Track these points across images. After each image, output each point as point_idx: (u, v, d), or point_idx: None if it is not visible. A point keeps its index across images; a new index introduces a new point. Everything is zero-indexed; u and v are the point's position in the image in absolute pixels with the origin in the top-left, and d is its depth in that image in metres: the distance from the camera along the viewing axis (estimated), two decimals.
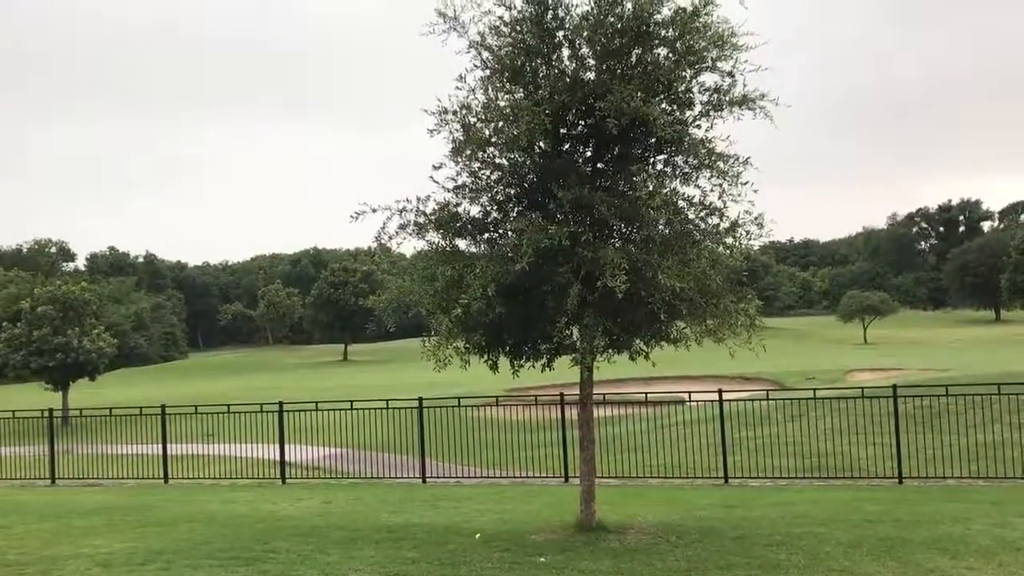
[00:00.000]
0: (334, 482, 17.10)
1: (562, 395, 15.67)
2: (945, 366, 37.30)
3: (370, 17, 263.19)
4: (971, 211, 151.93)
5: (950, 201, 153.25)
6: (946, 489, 13.06)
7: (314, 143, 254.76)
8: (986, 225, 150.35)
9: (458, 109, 8.68)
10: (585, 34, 8.35)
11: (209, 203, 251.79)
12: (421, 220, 8.77)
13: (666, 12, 8.32)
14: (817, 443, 17.23)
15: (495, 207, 8.99)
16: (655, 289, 8.12)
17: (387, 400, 17.22)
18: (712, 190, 8.55)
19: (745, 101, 8.51)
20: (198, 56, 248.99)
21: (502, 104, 8.62)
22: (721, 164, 8.40)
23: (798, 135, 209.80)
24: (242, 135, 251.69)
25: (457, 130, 8.68)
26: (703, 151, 8.46)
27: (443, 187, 8.90)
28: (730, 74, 8.48)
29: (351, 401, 17.02)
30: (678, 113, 8.55)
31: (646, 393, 18.02)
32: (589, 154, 8.83)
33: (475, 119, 8.65)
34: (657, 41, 8.39)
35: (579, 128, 8.68)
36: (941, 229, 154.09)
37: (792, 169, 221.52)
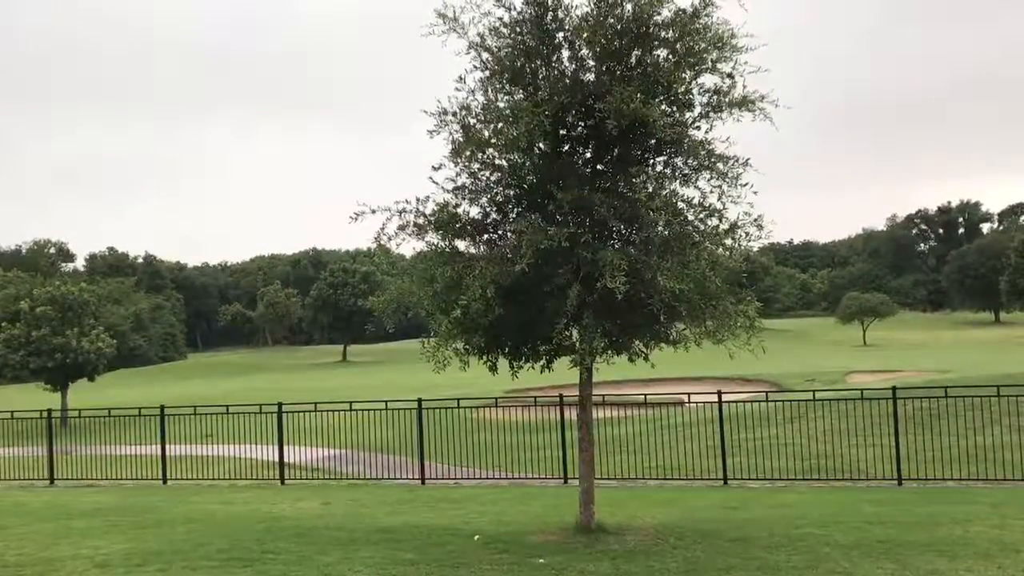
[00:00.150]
0: (333, 483, 17.09)
1: (561, 396, 15.66)
2: (945, 368, 37.31)
3: (370, 18, 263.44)
4: (970, 213, 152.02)
5: (949, 203, 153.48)
6: (945, 491, 13.06)
7: (314, 144, 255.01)
8: (985, 227, 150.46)
9: (458, 110, 8.69)
10: (585, 35, 8.34)
11: (208, 204, 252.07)
12: (420, 221, 8.76)
13: (666, 13, 8.33)
14: (816, 445, 17.23)
15: (495, 208, 8.99)
16: (654, 290, 8.11)
17: (386, 401, 17.21)
18: (712, 191, 8.56)
19: (745, 103, 8.51)
20: (198, 57, 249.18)
21: (502, 105, 8.62)
22: (721, 165, 8.41)
23: (798, 137, 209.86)
24: (242, 136, 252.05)
25: (457, 131, 8.68)
26: (703, 152, 8.46)
27: (443, 188, 8.90)
28: (730, 75, 8.47)
29: (350, 402, 17.01)
30: (678, 114, 8.54)
31: (645, 394, 18.02)
32: (589, 155, 8.82)
33: (475, 120, 8.66)
34: (657, 42, 8.39)
35: (579, 129, 8.67)
36: (940, 231, 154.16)
37: (792, 171, 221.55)
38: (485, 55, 8.68)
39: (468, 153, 8.62)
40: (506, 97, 8.68)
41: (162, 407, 18.19)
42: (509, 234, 8.71)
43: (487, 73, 8.71)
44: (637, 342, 9.09)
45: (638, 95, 7.93)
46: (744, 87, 8.48)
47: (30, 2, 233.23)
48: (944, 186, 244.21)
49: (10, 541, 10.03)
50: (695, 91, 8.61)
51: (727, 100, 8.55)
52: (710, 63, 8.40)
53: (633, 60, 8.42)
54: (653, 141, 8.53)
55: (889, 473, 14.41)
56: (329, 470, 19.35)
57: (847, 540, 8.84)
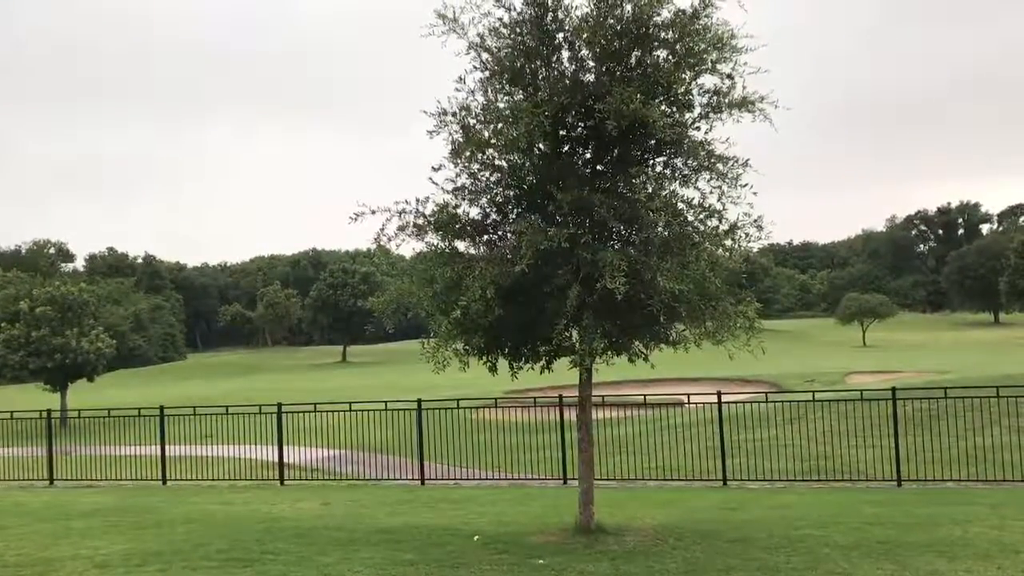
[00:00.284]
0: (333, 483, 17.09)
1: (561, 397, 15.67)
2: (944, 369, 37.31)
3: (370, 18, 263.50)
4: (970, 214, 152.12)
5: (949, 204, 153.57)
6: (945, 492, 13.06)
7: (314, 144, 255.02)
8: (985, 228, 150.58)
9: (457, 111, 8.69)
10: (585, 36, 8.34)
11: (208, 204, 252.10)
12: (420, 222, 8.76)
13: (666, 14, 8.33)
14: (816, 446, 17.23)
15: (494, 209, 8.99)
16: (654, 291, 8.11)
17: (386, 402, 17.21)
18: (711, 192, 8.56)
19: (744, 103, 8.51)
20: (198, 57, 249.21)
21: (501, 106, 8.62)
22: (720, 166, 8.41)
23: (797, 137, 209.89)
24: (242, 136, 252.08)
25: (456, 132, 8.68)
26: (703, 153, 8.46)
27: (442, 189, 8.89)
28: (729, 76, 8.47)
29: (350, 403, 17.01)
30: (678, 115, 8.54)
31: (645, 395, 18.03)
32: (588, 156, 8.82)
33: (475, 121, 8.66)
34: (657, 43, 8.39)
35: (579, 130, 8.67)
36: (940, 232, 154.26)
37: (791, 171, 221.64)
38: (485, 56, 8.68)
39: (468, 154, 8.62)
40: (506, 98, 8.68)
41: (162, 408, 18.18)
42: (509, 235, 8.71)
43: (487, 74, 8.71)
44: (637, 343, 9.09)
45: (638, 96, 7.93)
46: (744, 88, 8.49)
47: (30, 2, 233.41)
48: (944, 187, 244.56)
49: (9, 541, 10.02)
50: (695, 92, 8.61)
51: (727, 101, 8.56)
52: (710, 64, 8.40)
53: (633, 61, 8.42)
54: (653, 142, 8.53)
55: (889, 474, 14.41)
56: (329, 471, 19.35)
57: (847, 541, 8.84)
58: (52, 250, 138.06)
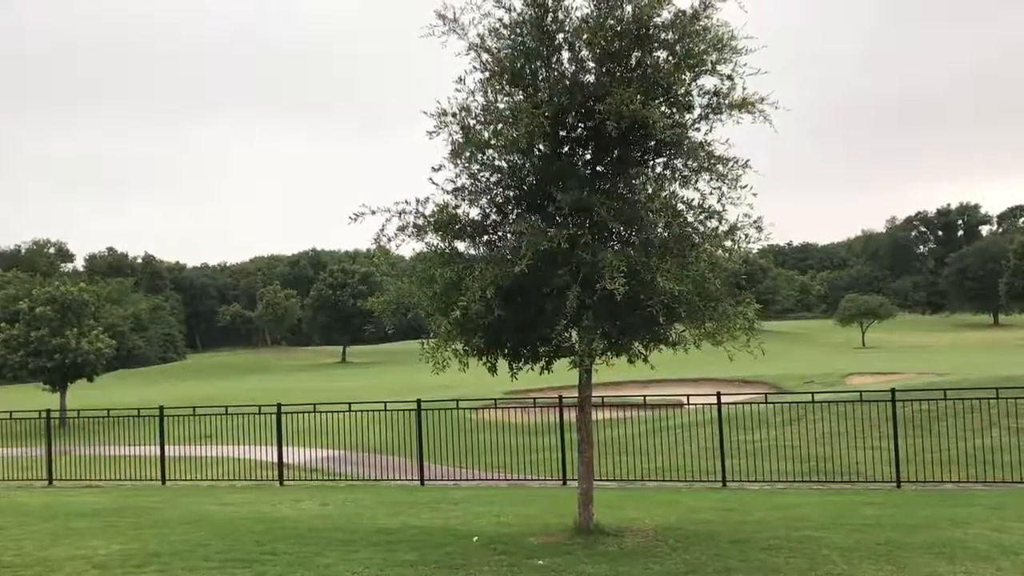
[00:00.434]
0: (332, 484, 17.09)
1: (560, 397, 15.67)
2: (943, 370, 37.31)
3: (370, 18, 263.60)
4: (969, 215, 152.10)
5: (949, 205, 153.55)
6: (944, 493, 13.06)
7: (314, 144, 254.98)
8: (984, 229, 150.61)
9: (457, 111, 8.68)
10: (585, 37, 8.34)
11: (208, 204, 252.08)
12: (420, 222, 8.76)
13: (666, 15, 8.32)
14: (815, 447, 17.23)
15: (494, 209, 8.98)
16: (654, 292, 8.11)
17: (385, 402, 17.21)
18: (711, 193, 8.55)
19: (744, 104, 8.50)
20: (198, 57, 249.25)
21: (501, 106, 8.61)
22: (720, 167, 8.40)
23: (797, 138, 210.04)
24: (241, 136, 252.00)
25: (456, 132, 8.67)
26: (702, 154, 8.45)
27: (442, 189, 8.89)
28: (729, 77, 8.47)
29: (349, 403, 17.01)
30: (677, 116, 8.54)
31: (644, 396, 18.02)
32: (588, 157, 8.82)
33: (474, 121, 8.65)
34: (657, 44, 8.38)
35: (578, 131, 8.67)
36: (940, 233, 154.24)
37: (791, 172, 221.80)
38: (485, 56, 8.67)
39: (468, 154, 8.62)
40: (506, 98, 8.67)
41: (161, 408, 18.18)
42: (509, 235, 8.72)
43: (487, 74, 8.70)
44: (636, 343, 9.09)
45: (638, 97, 7.93)
46: (744, 89, 8.48)
47: (30, 2, 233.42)
48: (943, 188, 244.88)
49: (8, 541, 10.02)
50: (695, 93, 8.60)
51: (727, 102, 8.55)
52: (710, 65, 8.40)
53: (633, 62, 8.42)
54: (653, 143, 8.53)
55: (888, 475, 14.42)
56: (328, 471, 19.35)
57: (846, 542, 8.84)
58: (52, 250, 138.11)
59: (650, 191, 8.37)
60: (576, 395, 9.67)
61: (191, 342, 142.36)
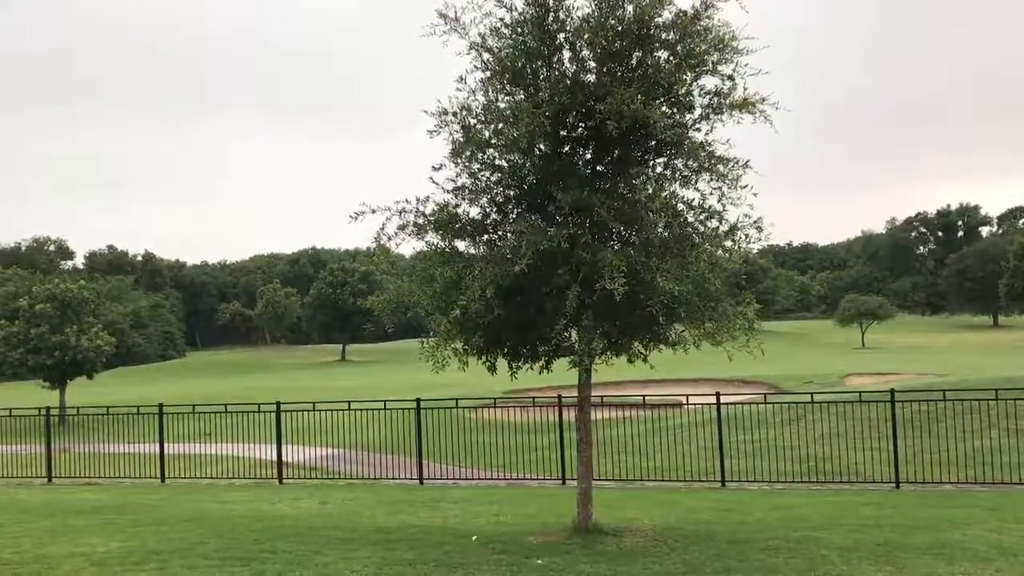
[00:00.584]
0: (331, 483, 17.09)
1: (560, 397, 15.67)
2: (943, 371, 37.32)
3: (371, 17, 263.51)
4: (970, 216, 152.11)
5: (949, 206, 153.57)
6: (943, 494, 13.06)
7: (314, 143, 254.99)
8: (984, 230, 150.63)
9: (458, 110, 8.67)
10: (586, 36, 8.34)
11: (208, 202, 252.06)
12: (420, 221, 8.76)
13: (667, 15, 8.32)
14: (814, 447, 17.23)
15: (494, 208, 8.98)
16: (654, 292, 8.11)
17: (385, 401, 17.20)
18: (712, 193, 8.55)
19: (745, 105, 8.50)
20: (198, 55, 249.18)
21: (502, 106, 8.61)
22: (721, 167, 8.39)
23: (797, 138, 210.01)
24: (242, 134, 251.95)
25: (457, 131, 8.67)
26: (703, 154, 8.44)
27: (443, 188, 8.89)
28: (730, 77, 8.47)
29: (349, 401, 17.00)
30: (678, 116, 8.54)
31: (644, 396, 18.02)
32: (589, 156, 8.82)
33: (475, 120, 8.65)
34: (658, 44, 8.38)
35: (579, 130, 8.67)
36: (940, 234, 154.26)
37: (791, 173, 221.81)
38: (486, 55, 8.67)
39: (468, 153, 8.62)
40: (507, 98, 8.67)
41: (161, 405, 18.18)
42: (509, 235, 8.71)
43: (488, 73, 8.70)
44: (636, 343, 9.09)
45: (639, 96, 7.93)
46: (745, 89, 8.48)
47: (31, 2, 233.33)
48: (943, 189, 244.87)
49: (7, 539, 10.02)
50: (696, 93, 8.60)
51: (727, 102, 8.55)
52: (711, 65, 8.40)
53: (634, 61, 8.41)
54: (653, 143, 8.53)
55: (887, 476, 14.41)
56: (327, 469, 19.35)
57: (845, 543, 8.84)
58: (52, 247, 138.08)
59: (650, 191, 8.37)
60: (575, 394, 9.67)
61: (191, 340, 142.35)
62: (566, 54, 8.61)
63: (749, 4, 8.19)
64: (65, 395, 40.70)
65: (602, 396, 15.64)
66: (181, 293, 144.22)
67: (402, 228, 8.72)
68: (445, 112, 8.68)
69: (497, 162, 8.74)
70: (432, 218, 8.77)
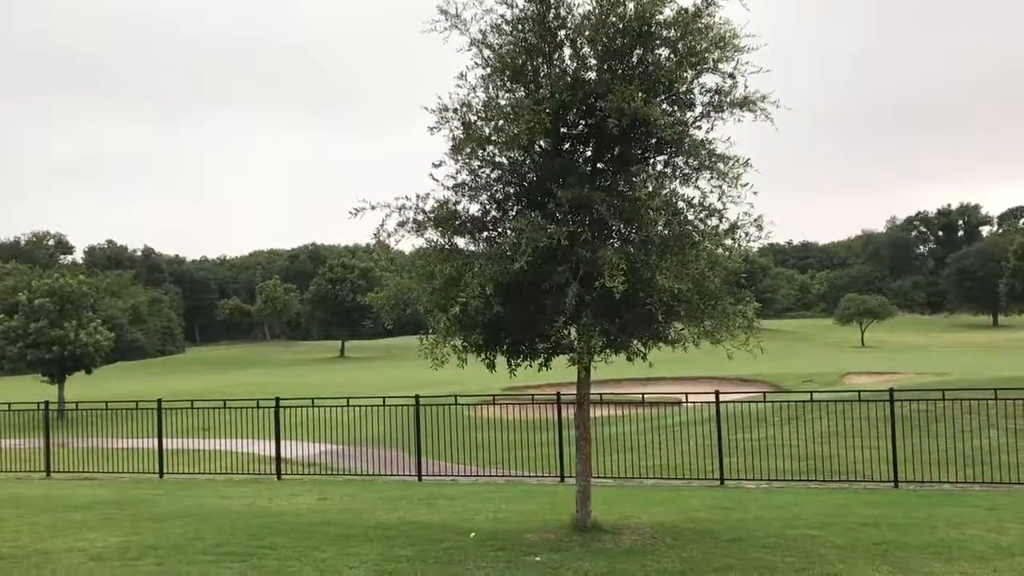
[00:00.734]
0: (330, 479, 17.09)
1: (559, 394, 15.66)
2: (942, 370, 37.33)
3: (371, 14, 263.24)
4: (970, 216, 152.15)
5: (949, 205, 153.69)
6: (942, 493, 13.06)
7: (314, 139, 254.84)
8: (985, 230, 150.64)
9: (458, 107, 8.66)
10: (587, 34, 8.33)
11: (208, 198, 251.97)
12: (420, 218, 8.76)
13: (668, 13, 8.31)
14: (813, 446, 17.22)
15: (494, 205, 8.98)
16: (653, 290, 8.11)
17: (384, 397, 17.19)
18: (712, 191, 8.54)
19: (746, 103, 8.50)
20: (199, 51, 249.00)
21: (503, 102, 8.61)
22: (721, 165, 8.38)
23: (798, 138, 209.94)
24: (242, 130, 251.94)
25: (457, 128, 8.66)
26: (703, 152, 8.44)
27: (443, 185, 8.90)
28: (731, 75, 8.46)
29: (347, 398, 16.99)
30: (679, 114, 8.54)
31: (643, 394, 18.00)
32: (589, 154, 8.82)
33: (475, 117, 8.64)
34: (659, 42, 8.38)
35: (579, 128, 8.66)
36: (940, 233, 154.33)
37: (791, 172, 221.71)
38: (487, 52, 8.67)
39: (468, 150, 8.60)
40: (507, 94, 8.66)
41: (159, 401, 18.17)
42: (509, 232, 8.70)
43: (488, 70, 8.69)
44: (635, 341, 9.09)
45: (639, 94, 7.92)
46: (745, 87, 8.48)
47: None
48: (944, 188, 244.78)
49: (6, 533, 10.03)
50: (696, 91, 8.61)
51: (728, 100, 8.55)
52: (711, 63, 8.39)
53: (634, 59, 8.41)
54: (653, 140, 8.53)
55: (886, 475, 14.41)
56: (326, 466, 19.35)
57: (843, 541, 8.84)
58: (51, 242, 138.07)
59: (650, 189, 8.36)
60: (575, 392, 9.67)
61: (190, 336, 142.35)
62: (567, 51, 8.60)
63: (750, 2, 8.17)
64: (64, 390, 40.67)
65: (601, 394, 15.61)
66: (180, 288, 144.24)
67: (402, 225, 8.72)
68: (445, 109, 8.67)
69: (497, 159, 8.73)
70: (432, 215, 8.76)
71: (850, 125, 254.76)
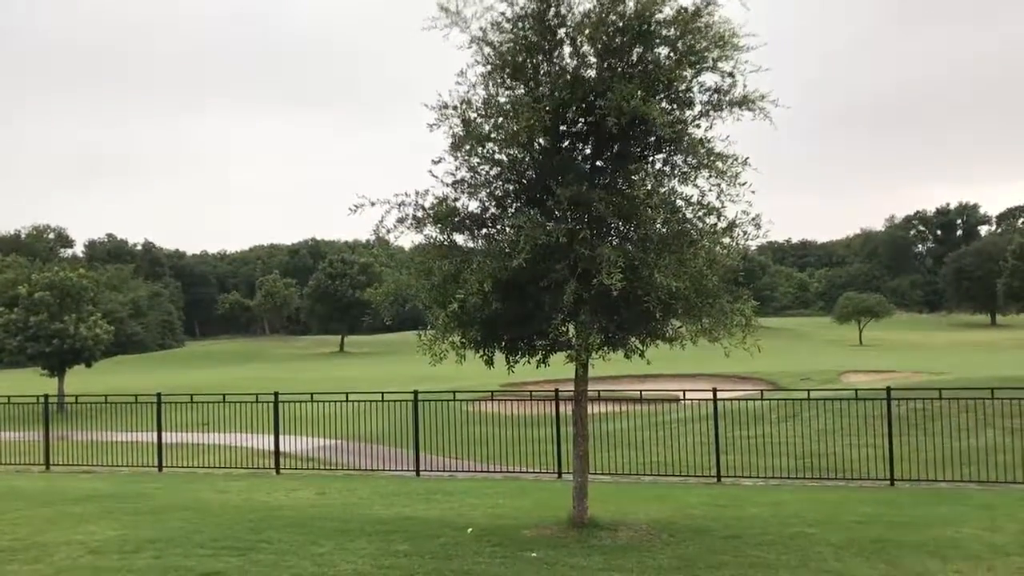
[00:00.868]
0: (328, 473, 17.12)
1: (557, 391, 15.69)
2: (939, 369, 37.36)
3: (372, 9, 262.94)
4: (969, 215, 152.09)
5: (948, 204, 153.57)
6: (938, 492, 13.10)
7: (314, 133, 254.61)
8: (983, 229, 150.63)
9: (458, 104, 8.70)
10: (587, 32, 8.35)
11: (208, 192, 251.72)
12: (419, 214, 8.78)
13: (668, 11, 8.33)
14: (810, 444, 17.27)
15: (493, 203, 9.00)
16: (651, 288, 8.14)
17: (382, 393, 17.23)
18: (710, 190, 8.56)
19: (745, 101, 8.53)
20: (199, 44, 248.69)
21: (502, 100, 8.64)
22: (720, 164, 8.40)
23: (797, 136, 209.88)
24: (242, 124, 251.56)
25: (457, 125, 8.69)
26: (702, 151, 8.46)
27: (442, 182, 8.92)
28: (730, 74, 8.50)
29: (346, 393, 17.03)
30: (678, 112, 8.57)
31: (641, 391, 18.03)
32: (588, 152, 8.84)
33: (475, 114, 8.67)
34: (658, 40, 8.40)
35: (579, 125, 8.69)
36: (938, 232, 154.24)
37: (791, 170, 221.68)
38: (487, 50, 8.69)
39: (468, 147, 8.64)
40: (507, 92, 8.69)
41: (159, 394, 18.20)
42: (507, 229, 8.73)
43: (488, 68, 8.71)
44: (633, 339, 9.12)
45: (639, 92, 7.94)
46: (744, 86, 8.50)
47: None
48: (943, 188, 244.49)
49: (4, 525, 10.05)
50: (695, 89, 8.63)
51: (727, 99, 8.58)
52: (711, 61, 8.42)
53: (634, 57, 8.43)
54: (653, 139, 8.56)
55: (882, 473, 14.46)
56: (325, 460, 19.39)
57: (839, 539, 8.88)
58: (51, 235, 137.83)
59: (649, 187, 8.38)
60: (572, 389, 9.70)
61: (189, 330, 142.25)
62: (566, 49, 8.62)
63: (751, 2, 8.20)
64: (64, 383, 40.72)
65: (599, 391, 15.63)
66: (180, 282, 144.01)
67: (401, 221, 8.75)
68: (445, 106, 8.71)
69: (497, 156, 8.75)
70: (431, 211, 8.79)
71: (849, 123, 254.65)
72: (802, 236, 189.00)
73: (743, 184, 8.43)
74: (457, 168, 8.88)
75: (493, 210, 9.00)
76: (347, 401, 16.87)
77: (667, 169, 8.72)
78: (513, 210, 8.86)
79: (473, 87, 8.74)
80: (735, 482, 14.70)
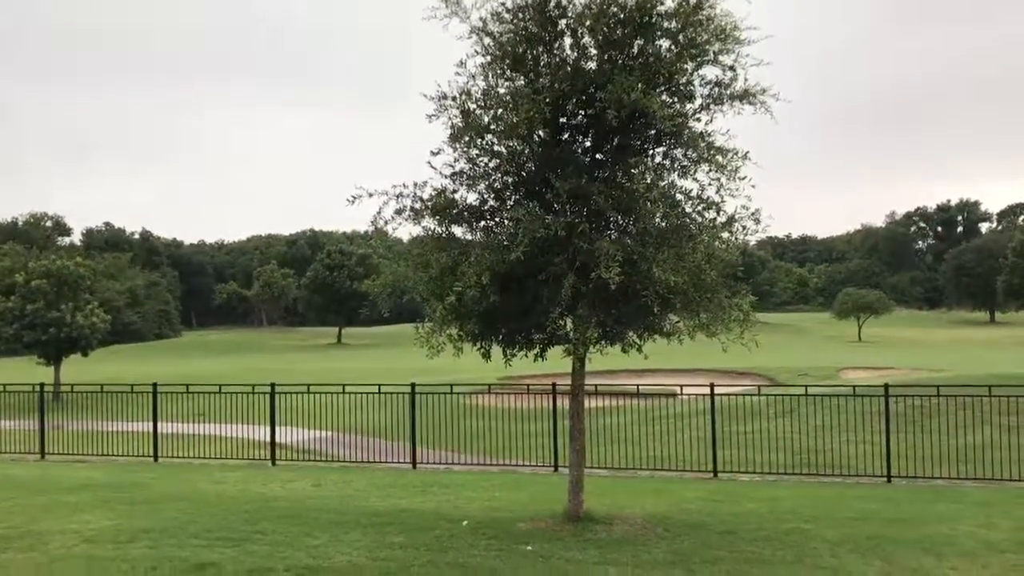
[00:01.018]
0: (324, 465, 17.11)
1: (554, 385, 15.68)
2: (938, 366, 37.37)
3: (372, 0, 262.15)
4: (969, 212, 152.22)
5: (949, 201, 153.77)
6: (934, 489, 13.10)
7: (314, 124, 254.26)
8: (984, 226, 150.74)
9: (458, 95, 8.64)
10: (587, 23, 8.30)
11: (207, 182, 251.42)
12: (418, 206, 8.74)
13: (669, 4, 8.29)
14: (807, 439, 17.26)
15: (492, 195, 8.96)
16: (649, 282, 8.11)
17: (379, 385, 17.20)
18: (710, 184, 8.54)
19: (746, 95, 8.49)
20: (198, 34, 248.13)
21: (502, 91, 8.59)
22: (720, 158, 8.37)
23: (798, 131, 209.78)
24: (242, 114, 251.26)
25: (456, 116, 8.64)
26: (702, 145, 8.42)
27: (441, 173, 8.88)
28: (731, 68, 8.45)
29: (343, 385, 17.00)
30: (678, 106, 8.53)
31: (638, 385, 18.05)
32: (588, 144, 8.80)
33: (475, 105, 8.62)
34: (659, 33, 8.35)
35: (579, 118, 8.64)
36: (939, 229, 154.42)
37: (791, 165, 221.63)
38: (487, 40, 8.63)
39: (467, 138, 8.59)
40: (506, 83, 8.64)
41: (155, 384, 18.18)
42: (506, 221, 8.70)
43: (488, 58, 8.66)
44: (630, 333, 9.09)
45: (639, 85, 7.91)
46: (745, 80, 8.46)
47: None
48: (944, 184, 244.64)
49: None
50: (696, 82, 8.59)
51: (728, 92, 8.54)
52: (712, 55, 8.38)
53: (635, 50, 8.38)
54: (653, 132, 8.51)
55: (879, 470, 14.46)
56: (321, 452, 19.37)
57: (835, 535, 8.87)
58: (49, 223, 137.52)
59: (649, 180, 8.35)
60: (569, 382, 9.68)
61: (186, 319, 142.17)
62: (567, 40, 8.57)
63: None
64: (60, 372, 40.66)
65: (596, 385, 15.62)
66: (178, 272, 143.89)
67: (399, 212, 8.71)
68: (444, 96, 8.66)
69: (496, 148, 8.70)
70: (429, 203, 8.75)
71: (851, 119, 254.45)
72: (802, 231, 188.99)
73: (743, 179, 8.41)
74: (456, 160, 8.85)
75: (492, 202, 8.96)
76: (344, 393, 16.84)
77: (667, 163, 8.69)
78: (512, 203, 8.82)
79: (472, 78, 8.69)
80: (732, 477, 14.70)
